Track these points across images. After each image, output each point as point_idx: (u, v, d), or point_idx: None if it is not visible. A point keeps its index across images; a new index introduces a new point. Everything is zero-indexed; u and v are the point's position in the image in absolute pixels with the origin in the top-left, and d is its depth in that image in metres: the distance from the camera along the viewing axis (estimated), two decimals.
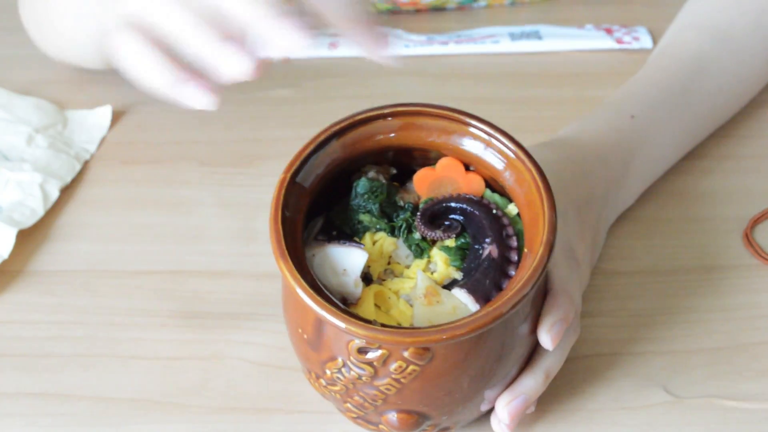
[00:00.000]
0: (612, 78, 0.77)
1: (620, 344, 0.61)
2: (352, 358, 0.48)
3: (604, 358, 0.60)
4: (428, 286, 0.50)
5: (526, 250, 0.50)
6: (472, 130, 0.53)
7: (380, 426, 0.52)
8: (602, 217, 0.63)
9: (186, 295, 0.64)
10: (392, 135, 0.54)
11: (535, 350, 0.54)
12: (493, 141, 0.53)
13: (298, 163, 0.51)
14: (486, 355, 0.49)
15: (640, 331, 0.62)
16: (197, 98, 0.46)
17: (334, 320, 0.46)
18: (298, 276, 0.47)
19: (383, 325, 0.47)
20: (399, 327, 0.47)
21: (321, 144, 0.52)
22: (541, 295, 0.52)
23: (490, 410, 0.54)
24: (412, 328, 0.47)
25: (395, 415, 0.50)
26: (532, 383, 0.53)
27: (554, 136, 0.66)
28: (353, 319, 0.46)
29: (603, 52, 0.82)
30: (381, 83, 0.79)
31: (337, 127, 0.52)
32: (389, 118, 0.53)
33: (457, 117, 0.53)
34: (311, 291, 0.46)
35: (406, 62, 0.80)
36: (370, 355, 0.48)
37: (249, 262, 0.66)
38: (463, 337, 0.46)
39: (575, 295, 0.54)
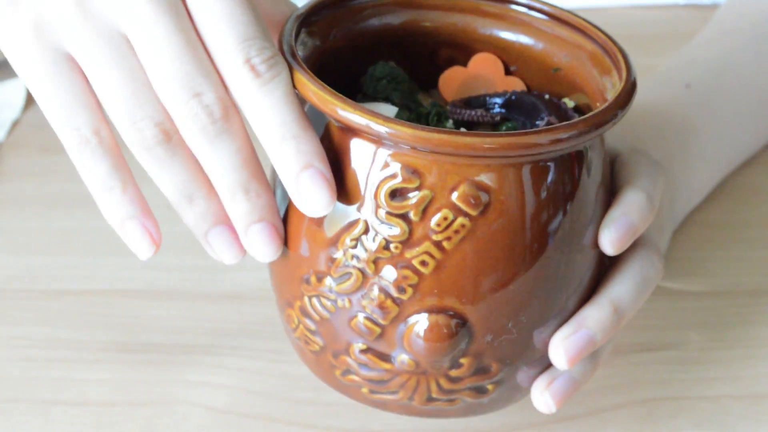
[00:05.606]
0: (676, 42, 0.75)
1: (688, 385, 0.61)
2: (380, 211, 0.48)
3: (667, 404, 0.59)
4: None
5: (598, 104, 0.51)
6: (514, 7, 0.55)
7: (398, 358, 0.51)
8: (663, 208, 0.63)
9: (125, 322, 0.64)
10: (399, 21, 0.55)
11: (599, 282, 0.53)
12: (545, 18, 0.55)
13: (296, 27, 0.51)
14: (547, 224, 0.49)
15: (714, 369, 0.61)
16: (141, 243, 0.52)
17: (370, 123, 0.46)
18: (312, 74, 0.47)
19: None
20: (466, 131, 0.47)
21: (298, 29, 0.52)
22: (608, 195, 0.52)
23: (539, 373, 0.53)
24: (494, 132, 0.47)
25: (425, 320, 0.49)
26: (595, 314, 0.52)
27: None
28: (396, 119, 0.46)
29: (665, 9, 0.85)
30: None
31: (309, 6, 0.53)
32: None
33: None
34: (331, 90, 0.47)
35: None
36: (407, 201, 0.47)
37: (207, 279, 0.66)
38: (568, 144, 0.47)
39: (654, 195, 0.53)
